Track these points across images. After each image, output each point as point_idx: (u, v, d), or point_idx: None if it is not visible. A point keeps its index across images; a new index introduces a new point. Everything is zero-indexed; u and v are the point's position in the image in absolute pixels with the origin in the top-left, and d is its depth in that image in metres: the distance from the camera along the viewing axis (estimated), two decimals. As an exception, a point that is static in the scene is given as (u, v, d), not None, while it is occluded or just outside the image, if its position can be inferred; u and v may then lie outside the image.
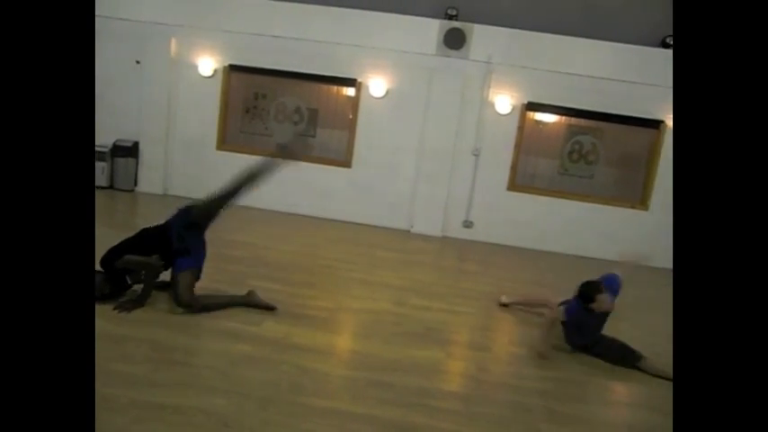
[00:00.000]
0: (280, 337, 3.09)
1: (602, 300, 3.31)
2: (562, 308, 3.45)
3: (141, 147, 6.96)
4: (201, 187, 6.89)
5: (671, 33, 6.22)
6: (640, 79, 6.36)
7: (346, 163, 6.90)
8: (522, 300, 4.23)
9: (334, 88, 6.96)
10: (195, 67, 6.81)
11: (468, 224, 6.85)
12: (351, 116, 6.86)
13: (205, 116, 6.96)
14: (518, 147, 6.69)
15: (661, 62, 6.34)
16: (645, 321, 4.40)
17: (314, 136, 7.17)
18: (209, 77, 6.85)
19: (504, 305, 4.20)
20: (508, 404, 2.69)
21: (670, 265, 6.61)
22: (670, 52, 6.32)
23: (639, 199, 6.74)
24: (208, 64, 6.81)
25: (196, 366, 2.64)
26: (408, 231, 6.78)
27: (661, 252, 6.71)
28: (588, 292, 3.34)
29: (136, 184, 7.02)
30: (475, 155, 6.69)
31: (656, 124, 6.50)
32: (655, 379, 3.26)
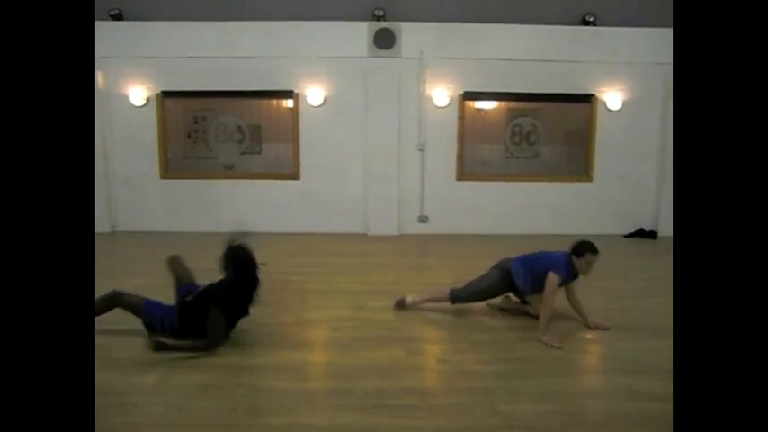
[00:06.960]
0: (236, 360, 3.05)
1: (589, 261, 3.38)
2: (556, 275, 3.38)
3: (81, 186, 6.73)
4: (150, 220, 6.86)
5: (588, 11, 6.46)
6: (567, 57, 6.58)
7: (294, 175, 6.87)
8: (428, 297, 4.00)
9: (274, 102, 6.92)
10: (126, 98, 6.65)
11: (423, 219, 6.93)
12: (291, 128, 6.83)
13: (144, 146, 6.80)
14: (461, 136, 6.82)
15: (584, 39, 6.59)
16: (601, 287, 4.56)
17: (260, 152, 7.12)
18: (143, 107, 6.70)
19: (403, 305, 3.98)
20: (467, 391, 2.73)
21: (617, 231, 6.89)
22: (591, 29, 6.57)
23: (583, 171, 6.97)
24: (139, 93, 6.66)
25: (148, 405, 2.57)
26: (365, 234, 6.80)
27: (608, 219, 6.99)
28: (583, 247, 3.41)
29: (80, 225, 6.78)
30: (420, 150, 6.78)
31: (587, 98, 6.74)
32: (615, 344, 3.38)
